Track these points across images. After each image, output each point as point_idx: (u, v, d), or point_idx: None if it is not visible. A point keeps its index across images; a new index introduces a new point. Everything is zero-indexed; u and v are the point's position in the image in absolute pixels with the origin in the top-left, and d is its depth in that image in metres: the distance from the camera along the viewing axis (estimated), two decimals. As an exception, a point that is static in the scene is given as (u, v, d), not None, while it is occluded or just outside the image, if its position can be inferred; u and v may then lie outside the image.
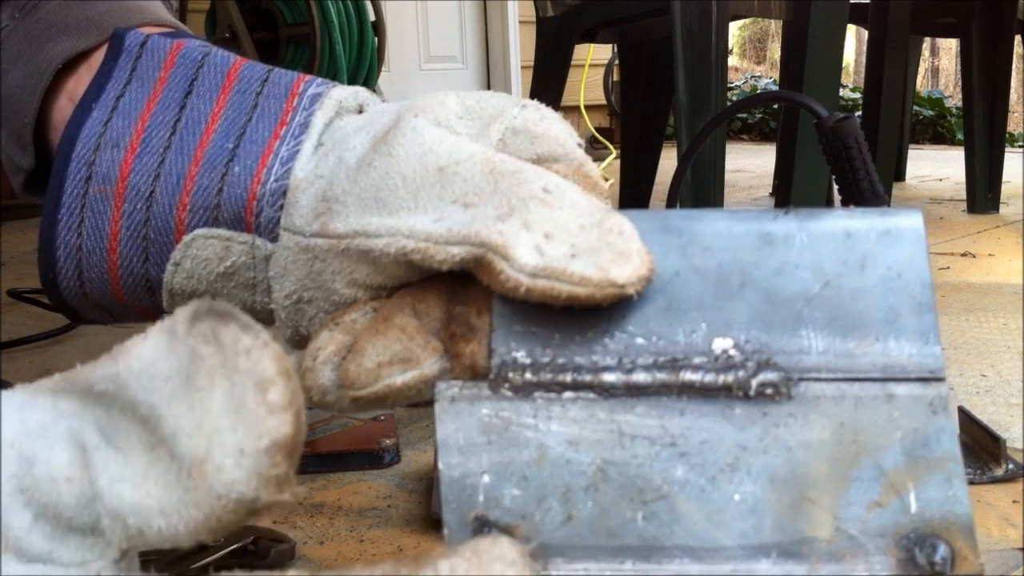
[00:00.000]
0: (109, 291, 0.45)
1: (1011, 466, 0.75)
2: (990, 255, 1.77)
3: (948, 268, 1.65)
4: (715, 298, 0.36)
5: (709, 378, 0.35)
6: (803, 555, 0.34)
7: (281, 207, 0.41)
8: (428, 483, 0.77)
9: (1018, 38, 2.41)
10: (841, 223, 0.37)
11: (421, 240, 0.36)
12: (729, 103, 2.51)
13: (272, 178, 0.41)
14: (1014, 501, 0.71)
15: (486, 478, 0.35)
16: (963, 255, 1.77)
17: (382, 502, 0.75)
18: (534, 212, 0.35)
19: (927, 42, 6.36)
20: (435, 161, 0.38)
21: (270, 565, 0.64)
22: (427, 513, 0.71)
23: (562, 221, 0.35)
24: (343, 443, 0.83)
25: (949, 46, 9.07)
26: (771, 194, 2.68)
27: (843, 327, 0.35)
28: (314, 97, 0.43)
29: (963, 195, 2.37)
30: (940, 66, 9.94)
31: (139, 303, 0.46)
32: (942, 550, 0.34)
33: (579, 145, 0.41)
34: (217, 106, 0.43)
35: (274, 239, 0.41)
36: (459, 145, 0.38)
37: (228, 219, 0.42)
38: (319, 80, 0.45)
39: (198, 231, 0.42)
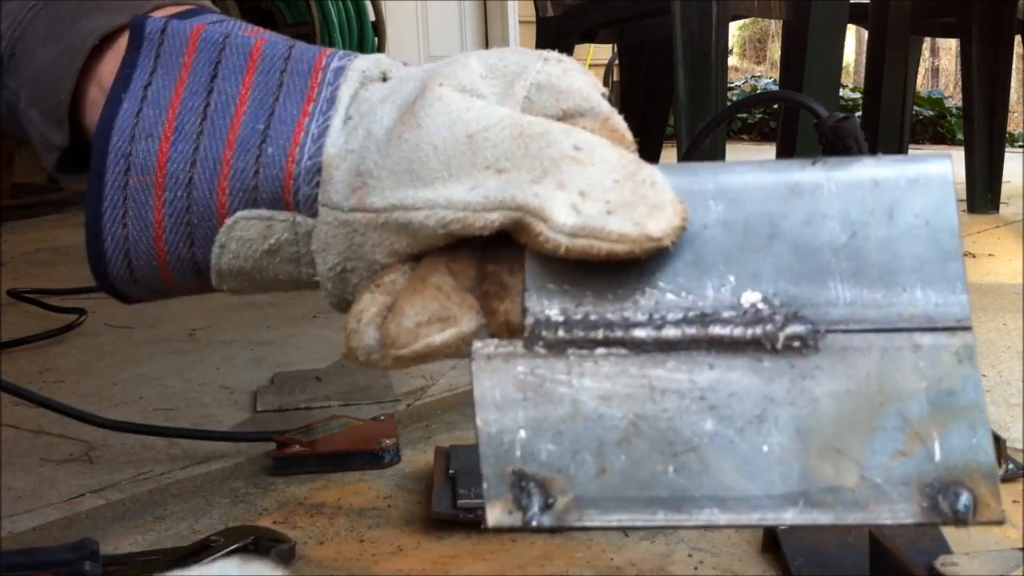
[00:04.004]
0: (158, 276, 0.46)
1: (1011, 466, 0.75)
2: (990, 255, 1.77)
3: (948, 268, 1.65)
4: (743, 251, 0.36)
5: (738, 332, 0.35)
6: (829, 504, 0.35)
7: (317, 184, 0.42)
8: (428, 483, 0.77)
9: (1018, 38, 2.41)
10: (869, 172, 0.37)
11: (459, 210, 0.37)
12: (729, 103, 2.51)
13: (305, 156, 0.42)
14: (1014, 501, 0.71)
15: (522, 433, 0.36)
16: (963, 255, 1.77)
17: (382, 502, 0.75)
18: (567, 171, 0.36)
19: (927, 42, 6.36)
20: (464, 129, 0.38)
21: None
22: (427, 513, 0.71)
23: (595, 178, 0.36)
24: (343, 443, 0.83)
25: (949, 46, 9.07)
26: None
27: (870, 277, 0.36)
28: (337, 71, 0.44)
29: (963, 195, 2.37)
30: (940, 66, 9.94)
31: (188, 284, 0.47)
32: (964, 498, 0.34)
33: (603, 96, 0.41)
34: (244, 87, 0.44)
35: (313, 215, 0.42)
36: (486, 111, 0.39)
37: (267, 199, 0.43)
38: (340, 52, 0.45)
39: (240, 213, 0.43)
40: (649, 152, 2.28)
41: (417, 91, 0.40)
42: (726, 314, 0.36)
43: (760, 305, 0.36)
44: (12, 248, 2.11)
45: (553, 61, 0.41)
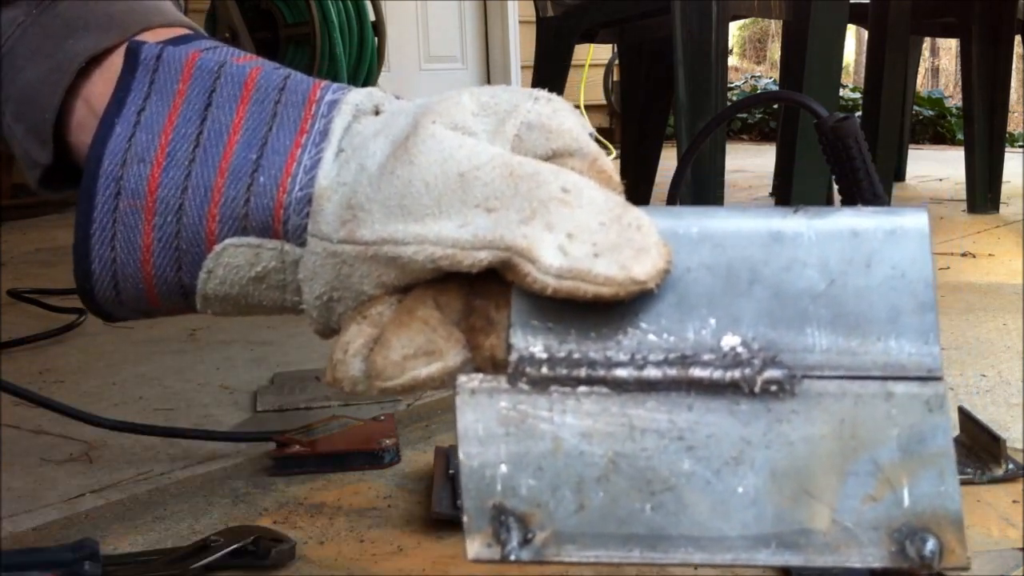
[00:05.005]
0: (144, 298, 0.46)
1: (1011, 466, 0.75)
2: (990, 255, 1.78)
3: (948, 268, 1.65)
4: (724, 294, 0.37)
5: (717, 375, 0.36)
6: (800, 546, 0.36)
7: (307, 214, 0.42)
8: (428, 483, 0.77)
9: (1018, 38, 2.41)
10: (848, 222, 0.38)
11: (448, 247, 0.38)
12: (729, 103, 2.51)
13: (297, 187, 0.42)
14: (1014, 501, 0.71)
15: (503, 468, 0.37)
16: (963, 255, 1.77)
17: (382, 502, 0.75)
18: (555, 213, 0.37)
19: (927, 42, 6.36)
20: (455, 167, 0.39)
21: (270, 565, 0.64)
22: (427, 513, 0.71)
23: (582, 220, 0.37)
24: (343, 443, 0.83)
25: (949, 46, 9.06)
26: (771, 194, 2.68)
27: (847, 325, 0.36)
28: (331, 104, 0.44)
29: (963, 195, 2.37)
30: (940, 66, 9.94)
31: (173, 306, 0.47)
32: (931, 543, 0.35)
33: (591, 136, 0.42)
34: (237, 117, 0.44)
35: (302, 244, 0.43)
36: (478, 149, 0.39)
37: (256, 227, 0.43)
38: (335, 85, 0.46)
39: (228, 240, 0.44)
40: (649, 152, 2.28)
41: (410, 127, 0.41)
42: (706, 356, 0.36)
43: (739, 349, 0.36)
44: (12, 248, 2.11)
45: (543, 100, 0.42)
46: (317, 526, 0.71)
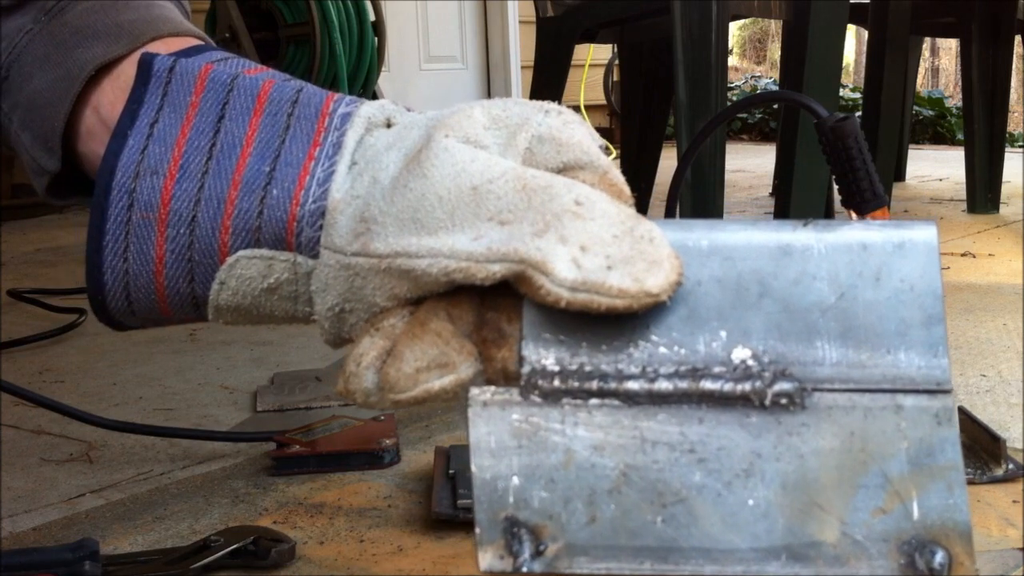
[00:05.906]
0: (156, 308, 0.47)
1: (1011, 466, 0.75)
2: (990, 255, 1.78)
3: (948, 268, 1.65)
4: (734, 307, 0.37)
5: (727, 387, 0.36)
6: (810, 558, 0.36)
7: (320, 227, 0.42)
8: (428, 483, 0.77)
9: (1018, 38, 2.41)
10: (858, 235, 0.38)
11: (462, 260, 0.38)
12: (729, 103, 2.51)
13: (310, 199, 0.43)
14: (1014, 501, 0.71)
15: (516, 480, 0.37)
16: (963, 255, 1.77)
17: (382, 502, 0.75)
18: (568, 226, 0.37)
19: (927, 42, 6.36)
20: (468, 181, 0.39)
21: (270, 565, 0.64)
22: (427, 513, 0.71)
23: (595, 232, 0.37)
24: (343, 443, 0.83)
25: (949, 46, 9.06)
26: (771, 194, 2.68)
27: (856, 338, 0.37)
28: (344, 116, 0.44)
29: (963, 195, 2.37)
30: (940, 66, 9.94)
31: (184, 316, 0.48)
32: (940, 556, 0.35)
33: (601, 148, 0.42)
34: (250, 129, 0.45)
35: (314, 256, 0.43)
36: (491, 163, 0.40)
37: (269, 239, 0.43)
38: (348, 98, 0.46)
39: (241, 252, 0.44)
40: (649, 152, 2.28)
41: (422, 140, 0.41)
42: (717, 369, 0.37)
43: (750, 362, 0.37)
44: (12, 248, 2.11)
45: (554, 113, 0.42)
46: (317, 526, 0.71)
